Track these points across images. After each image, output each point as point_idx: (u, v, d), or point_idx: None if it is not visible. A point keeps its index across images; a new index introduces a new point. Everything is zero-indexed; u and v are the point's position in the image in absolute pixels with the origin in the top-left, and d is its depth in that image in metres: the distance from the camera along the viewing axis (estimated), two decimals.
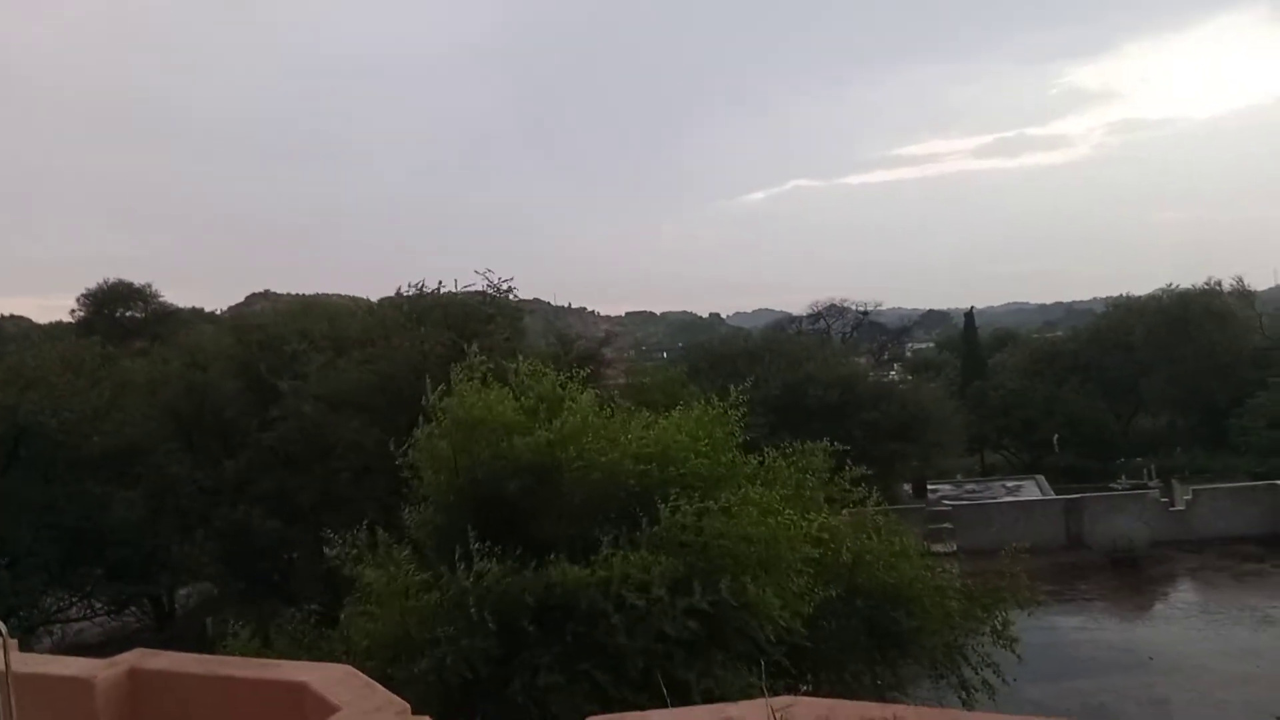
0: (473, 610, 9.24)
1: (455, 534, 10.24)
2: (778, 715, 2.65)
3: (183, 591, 22.25)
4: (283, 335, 22.38)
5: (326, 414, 19.72)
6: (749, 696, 8.84)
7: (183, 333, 29.53)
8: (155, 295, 43.00)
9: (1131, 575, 29.99)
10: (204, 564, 20.70)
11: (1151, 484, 37.72)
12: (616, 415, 11.80)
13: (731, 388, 12.31)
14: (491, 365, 12.02)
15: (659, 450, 10.83)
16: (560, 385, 11.93)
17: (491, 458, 10.75)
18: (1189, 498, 33.89)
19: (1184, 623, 25.21)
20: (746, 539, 10.05)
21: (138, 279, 43.73)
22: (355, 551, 10.60)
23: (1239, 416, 40.84)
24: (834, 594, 11.51)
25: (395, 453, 11.76)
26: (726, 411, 11.80)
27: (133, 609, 23.69)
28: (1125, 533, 31.60)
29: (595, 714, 2.89)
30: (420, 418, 11.83)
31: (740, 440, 11.98)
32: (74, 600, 22.82)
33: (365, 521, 11.07)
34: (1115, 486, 38.67)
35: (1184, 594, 28.32)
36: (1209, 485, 35.14)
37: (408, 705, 3.16)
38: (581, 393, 11.83)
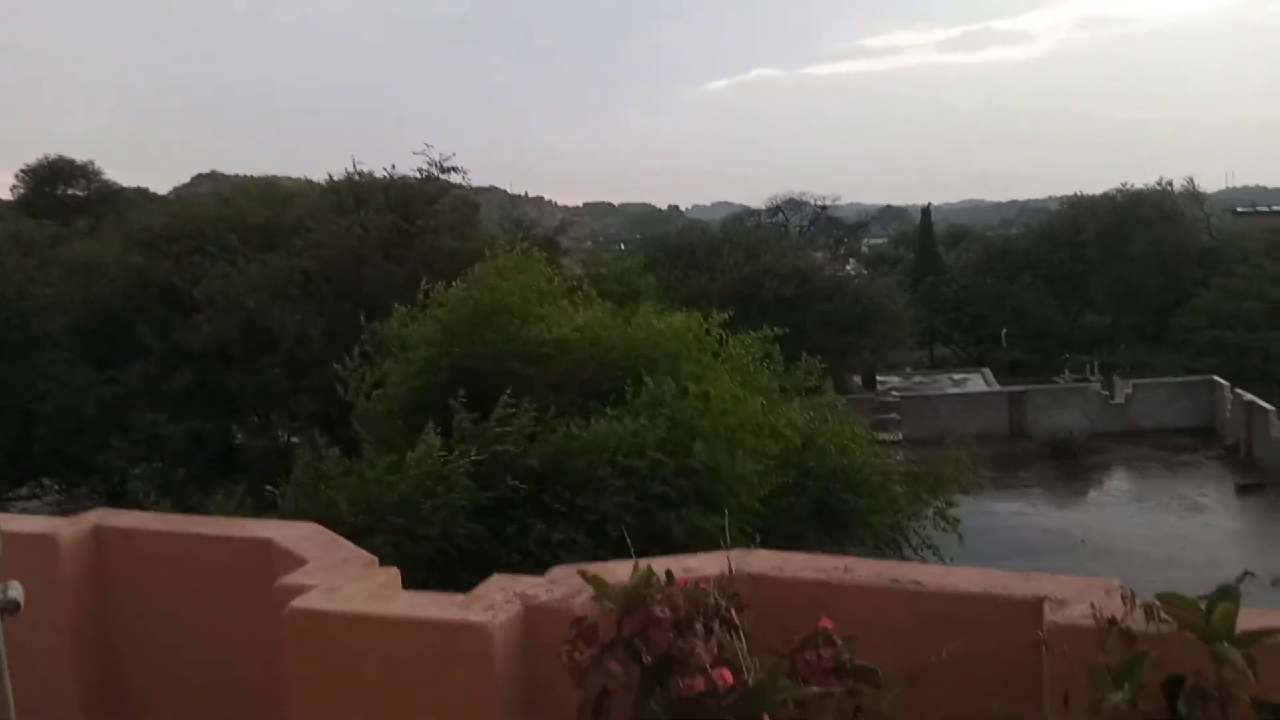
0: (497, 450, 9.50)
1: (437, 397, 10.50)
2: (734, 564, 2.74)
3: (136, 471, 22.21)
4: (215, 223, 21.62)
5: (268, 305, 19.31)
6: (723, 534, 9.31)
7: (129, 213, 28.64)
8: (98, 173, 41.56)
9: (1070, 464, 31.11)
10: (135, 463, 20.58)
11: (1093, 379, 38.75)
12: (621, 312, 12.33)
13: (715, 310, 12.66)
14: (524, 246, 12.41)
15: (669, 338, 11.27)
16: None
17: (502, 340, 11.02)
18: (1129, 392, 34.95)
19: (1117, 509, 26.34)
20: (717, 421, 10.54)
21: (79, 156, 42.03)
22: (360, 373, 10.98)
23: (1182, 315, 41.85)
24: (789, 480, 11.98)
25: (366, 328, 11.98)
26: (707, 327, 12.30)
27: (83, 488, 23.66)
28: (1066, 424, 32.61)
29: None
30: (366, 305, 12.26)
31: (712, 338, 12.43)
32: (24, 479, 22.75)
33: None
34: (1059, 380, 39.68)
35: (1118, 482, 29.50)
36: (1149, 380, 36.21)
37: (374, 559, 3.24)
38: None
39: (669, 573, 2.28)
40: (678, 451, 10.07)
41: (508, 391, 10.19)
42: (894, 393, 38.29)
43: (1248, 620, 2.15)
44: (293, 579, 2.97)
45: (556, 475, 9.88)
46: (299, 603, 2.78)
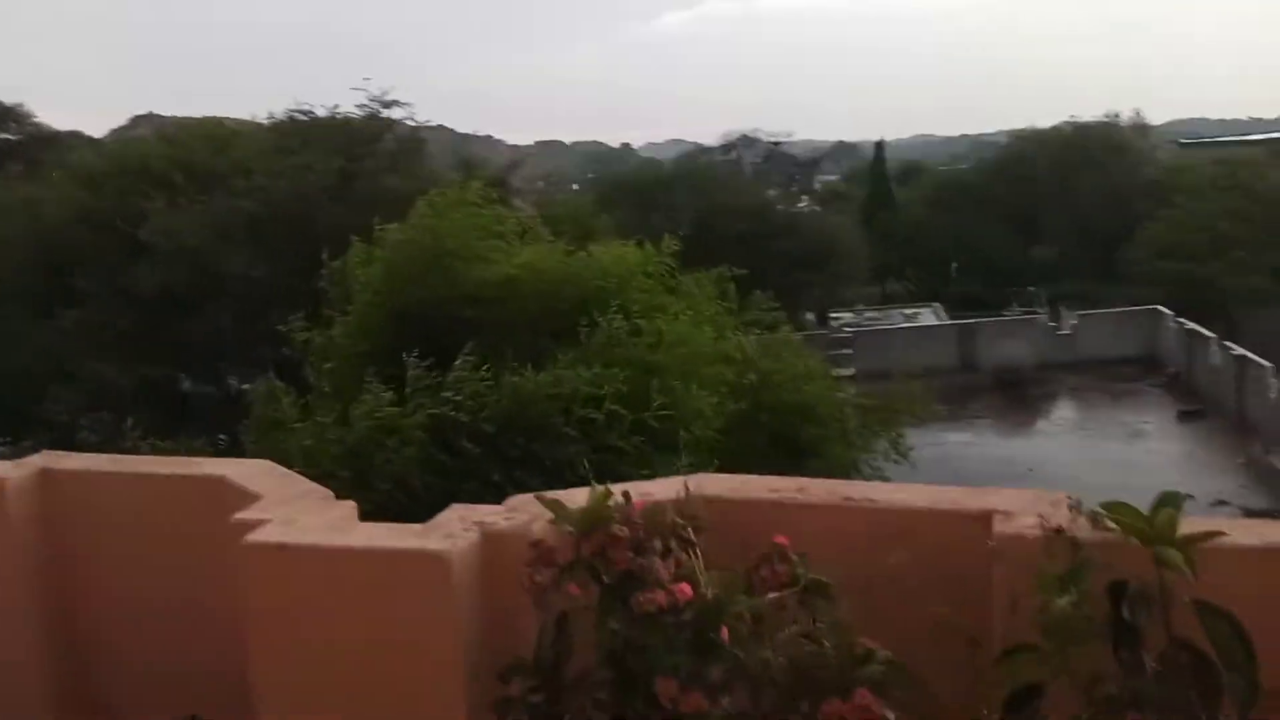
0: (455, 413, 9.44)
1: (385, 344, 10.40)
2: (690, 487, 2.76)
3: (84, 423, 21.83)
4: (157, 164, 21.04)
5: (214, 246, 18.98)
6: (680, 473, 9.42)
7: (66, 155, 27.64)
8: (29, 116, 40.02)
9: (1017, 395, 31.78)
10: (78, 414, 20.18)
11: (1041, 311, 39.44)
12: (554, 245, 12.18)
13: (666, 237, 12.65)
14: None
15: (618, 271, 11.22)
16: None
17: (446, 284, 10.87)
18: (1075, 323, 35.64)
19: (1062, 438, 27.02)
20: (671, 357, 10.59)
21: (7, 98, 40.41)
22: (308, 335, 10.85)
23: (1128, 248, 42.49)
24: (742, 408, 12.12)
25: (325, 265, 11.77)
26: (659, 255, 12.32)
27: (30, 441, 23.22)
28: (1014, 356, 33.23)
29: None
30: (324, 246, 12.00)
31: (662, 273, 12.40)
32: None
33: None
34: (1007, 314, 40.33)
35: (1064, 411, 30.24)
36: (1094, 311, 36.94)
37: (330, 493, 3.22)
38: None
39: (626, 494, 2.29)
40: (635, 401, 10.06)
41: (465, 351, 10.07)
42: (846, 329, 38.70)
43: (1188, 527, 2.23)
44: (248, 514, 2.94)
45: (511, 424, 9.85)
46: (255, 536, 2.76)
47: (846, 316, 42.76)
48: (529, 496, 2.98)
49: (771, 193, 50.76)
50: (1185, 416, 29.75)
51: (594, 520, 2.19)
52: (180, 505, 3.48)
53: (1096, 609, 2.22)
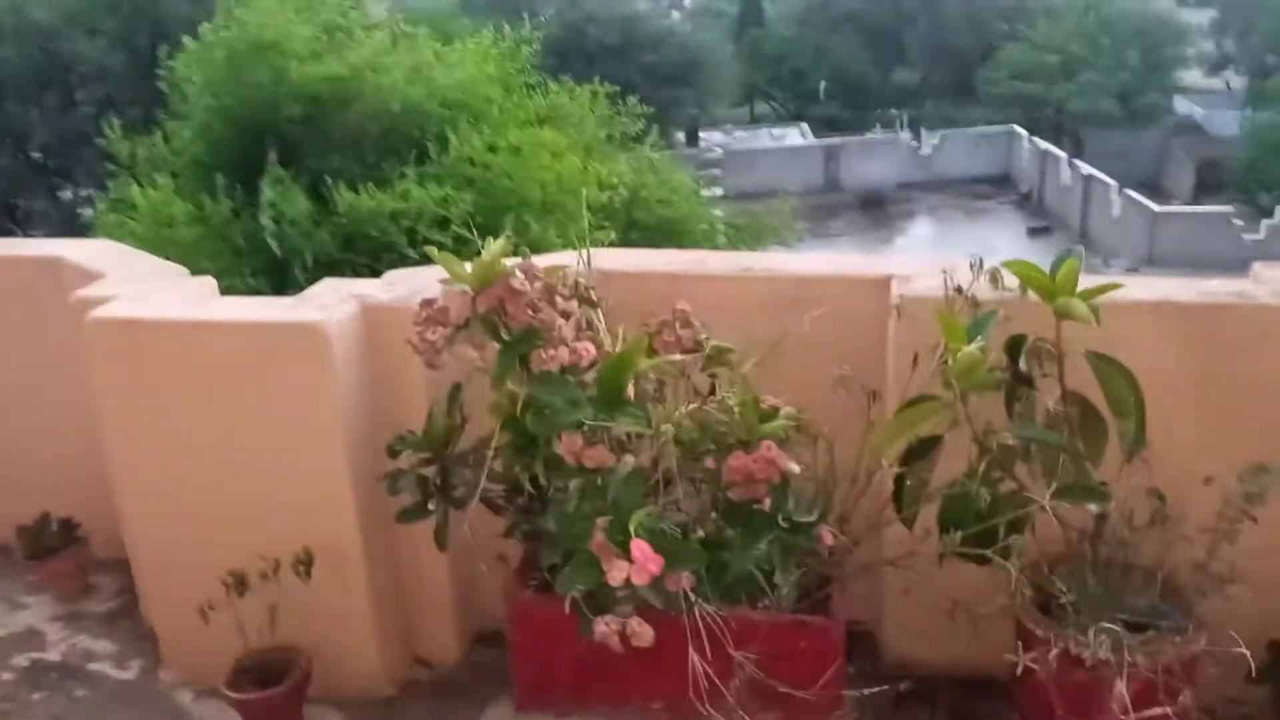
0: (271, 238, 8.83)
1: (221, 161, 9.59)
2: (586, 261, 2.61)
3: None
4: None
5: (62, 28, 17.28)
6: None
7: None
8: None
9: (878, 214, 32.54)
10: None
11: (903, 132, 40.00)
12: (404, 44, 11.09)
13: (525, 21, 11.80)
14: None
15: (461, 87, 10.38)
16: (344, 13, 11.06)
17: (273, 84, 9.87)
18: (935, 143, 36.35)
19: (918, 254, 27.95)
20: (534, 180, 10.07)
21: None
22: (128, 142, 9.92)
23: (987, 69, 43.04)
24: (614, 238, 11.86)
25: (162, 62, 10.61)
26: (517, 46, 11.45)
27: None
28: (876, 176, 33.82)
29: None
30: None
31: (528, 81, 11.67)
32: None
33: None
34: (871, 135, 40.73)
35: (921, 229, 31.21)
36: (954, 131, 37.72)
37: (185, 270, 2.92)
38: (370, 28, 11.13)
39: (526, 252, 2.13)
40: (489, 226, 9.59)
41: (274, 160, 9.32)
42: (716, 148, 38.46)
43: (1084, 284, 2.22)
44: (90, 291, 2.64)
45: (350, 245, 9.31)
46: (100, 312, 2.48)
47: (716, 136, 42.38)
48: (409, 270, 2.78)
49: (641, 5, 48.84)
50: (1034, 233, 31.15)
51: (492, 274, 2.00)
52: (12, 288, 3.12)
53: (995, 364, 2.22)
